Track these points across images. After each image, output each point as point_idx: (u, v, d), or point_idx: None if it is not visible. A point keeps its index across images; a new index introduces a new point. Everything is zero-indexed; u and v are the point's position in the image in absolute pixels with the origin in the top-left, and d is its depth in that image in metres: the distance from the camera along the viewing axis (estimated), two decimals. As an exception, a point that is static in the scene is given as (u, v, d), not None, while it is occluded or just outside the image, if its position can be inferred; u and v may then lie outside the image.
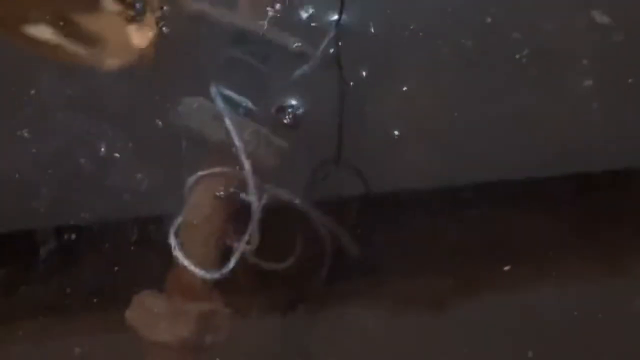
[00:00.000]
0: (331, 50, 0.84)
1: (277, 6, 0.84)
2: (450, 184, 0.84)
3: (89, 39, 0.93)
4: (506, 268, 0.81)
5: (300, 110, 0.83)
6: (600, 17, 0.89)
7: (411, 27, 0.86)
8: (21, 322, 0.78)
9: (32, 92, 0.84)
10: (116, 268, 0.77)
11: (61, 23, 0.96)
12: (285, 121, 0.82)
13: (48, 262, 0.77)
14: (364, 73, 0.84)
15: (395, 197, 0.85)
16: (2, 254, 0.79)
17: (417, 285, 0.81)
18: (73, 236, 0.78)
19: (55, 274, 0.79)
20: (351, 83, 0.85)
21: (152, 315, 0.74)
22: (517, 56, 0.87)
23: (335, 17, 0.84)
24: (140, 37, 0.92)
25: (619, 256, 0.83)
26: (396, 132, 0.84)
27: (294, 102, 0.82)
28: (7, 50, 0.87)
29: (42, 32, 0.93)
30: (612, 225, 0.84)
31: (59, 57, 0.92)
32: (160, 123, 0.81)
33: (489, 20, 0.87)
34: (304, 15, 0.85)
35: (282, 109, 0.82)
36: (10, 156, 0.82)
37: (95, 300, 0.77)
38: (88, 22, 0.93)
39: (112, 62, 0.94)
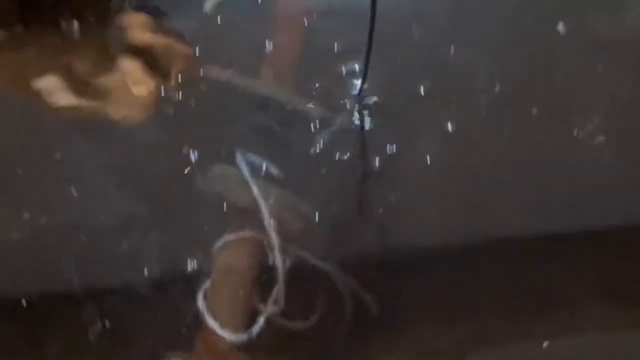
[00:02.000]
0: (353, 118, 0.89)
1: (298, 76, 0.90)
2: (466, 239, 0.86)
3: (97, 95, 0.97)
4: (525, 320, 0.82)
5: (323, 172, 0.87)
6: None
7: (423, 94, 0.91)
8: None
9: (57, 156, 0.88)
10: (146, 331, 0.79)
11: (72, 80, 0.98)
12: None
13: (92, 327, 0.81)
14: (382, 138, 0.88)
15: (414, 252, 0.87)
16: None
17: (438, 338, 0.83)
18: (104, 299, 0.81)
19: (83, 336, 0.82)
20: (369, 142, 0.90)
21: (180, 378, 0.78)
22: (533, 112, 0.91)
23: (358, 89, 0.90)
24: (146, 92, 0.97)
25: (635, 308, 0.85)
26: (413, 191, 0.87)
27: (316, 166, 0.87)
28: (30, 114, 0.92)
29: (50, 86, 0.97)
30: (630, 278, 0.85)
31: (70, 113, 0.96)
32: (188, 188, 0.84)
33: (497, 88, 0.91)
34: (326, 85, 0.90)
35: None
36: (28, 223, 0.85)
37: (125, 362, 0.81)
38: (99, 79, 0.98)
39: (119, 115, 0.96)
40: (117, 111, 0.97)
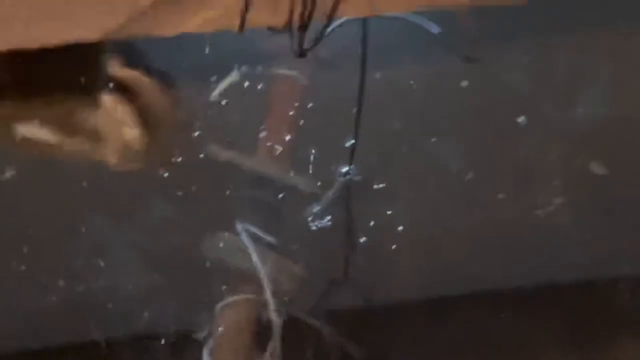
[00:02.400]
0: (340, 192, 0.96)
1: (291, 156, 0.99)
2: (441, 293, 0.93)
3: (86, 137, 1.01)
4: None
5: (313, 239, 0.95)
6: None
7: (403, 174, 0.99)
8: None
9: (83, 229, 0.95)
10: None
11: (61, 123, 1.00)
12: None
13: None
14: (366, 210, 0.97)
15: (391, 308, 0.93)
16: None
17: None
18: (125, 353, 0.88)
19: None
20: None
21: None
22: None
23: (345, 168, 0.97)
24: (132, 135, 1.01)
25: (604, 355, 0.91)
26: (393, 251, 0.94)
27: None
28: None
29: (44, 133, 1.00)
30: (586, 328, 0.92)
31: (57, 154, 1.00)
32: (193, 255, 0.91)
33: (470, 176, 1.00)
34: (317, 163, 0.97)
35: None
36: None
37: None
38: (87, 121, 1.01)
39: (107, 157, 1.00)
40: (108, 155, 1.01)
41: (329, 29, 0.54)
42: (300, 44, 0.52)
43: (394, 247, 0.95)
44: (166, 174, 0.98)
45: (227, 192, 0.97)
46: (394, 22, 0.62)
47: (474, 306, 0.92)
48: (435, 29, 0.61)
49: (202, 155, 0.98)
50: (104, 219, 0.93)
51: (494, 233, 0.96)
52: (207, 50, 1.03)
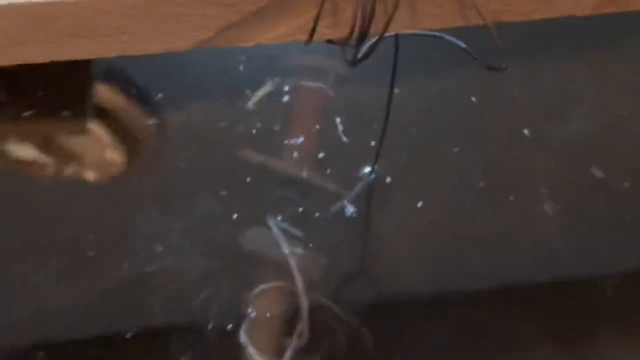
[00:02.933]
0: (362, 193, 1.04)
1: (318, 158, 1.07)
2: (445, 289, 1.00)
3: (70, 157, 1.04)
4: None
5: (337, 234, 1.03)
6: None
7: (420, 181, 1.07)
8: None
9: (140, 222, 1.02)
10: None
11: (45, 142, 1.03)
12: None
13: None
14: (384, 209, 1.05)
15: (403, 297, 1.00)
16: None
17: None
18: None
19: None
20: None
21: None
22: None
23: (367, 169, 1.05)
24: (116, 154, 1.05)
25: (586, 352, 0.96)
26: (404, 248, 1.02)
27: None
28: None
29: (27, 152, 1.04)
30: (574, 324, 0.98)
31: (39, 173, 1.03)
32: (232, 247, 0.99)
33: (478, 181, 1.08)
34: (341, 166, 1.06)
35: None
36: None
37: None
38: (70, 141, 1.05)
39: (90, 176, 1.04)
40: (89, 175, 1.04)
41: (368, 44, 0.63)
42: (355, 55, 0.62)
43: (405, 245, 1.03)
44: (205, 176, 1.06)
45: (260, 192, 1.04)
46: (418, 36, 0.70)
47: (472, 302, 0.98)
48: (459, 42, 0.69)
49: (236, 159, 1.06)
50: (156, 214, 1.02)
51: (495, 236, 1.03)
52: (241, 68, 1.13)
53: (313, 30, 0.58)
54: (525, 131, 1.12)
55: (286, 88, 1.12)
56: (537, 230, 1.03)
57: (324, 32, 0.61)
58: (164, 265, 0.98)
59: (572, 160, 1.10)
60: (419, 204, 1.05)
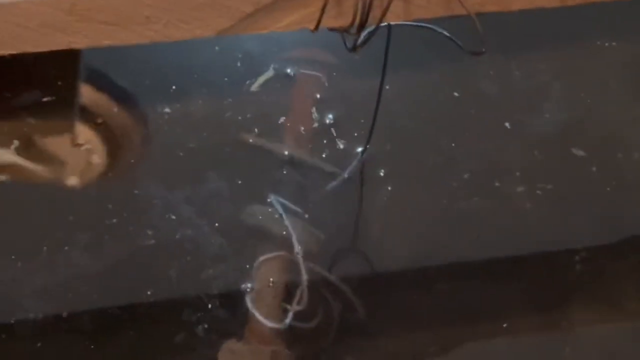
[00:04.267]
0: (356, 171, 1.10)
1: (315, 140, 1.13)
2: (428, 264, 1.05)
3: (50, 160, 1.04)
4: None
5: (333, 209, 1.08)
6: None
7: (412, 165, 1.13)
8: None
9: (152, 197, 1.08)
10: (206, 326, 0.98)
11: (28, 146, 1.02)
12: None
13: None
14: (378, 185, 1.10)
15: (391, 271, 1.05)
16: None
17: (401, 344, 0.99)
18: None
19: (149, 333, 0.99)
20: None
21: (237, 356, 0.95)
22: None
23: (360, 149, 1.11)
24: (97, 158, 1.05)
25: (558, 317, 1.01)
26: (393, 225, 1.08)
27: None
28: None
29: (6, 155, 1.02)
30: (546, 296, 1.03)
31: (20, 178, 1.03)
32: (237, 222, 1.05)
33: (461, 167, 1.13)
34: (336, 148, 1.12)
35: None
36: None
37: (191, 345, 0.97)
38: (52, 145, 1.04)
39: (70, 180, 1.04)
40: (71, 178, 1.04)
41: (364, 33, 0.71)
42: (355, 41, 0.70)
43: (395, 221, 1.09)
44: (209, 158, 1.11)
45: (261, 172, 1.10)
46: (403, 26, 0.76)
47: (456, 275, 1.04)
48: (443, 31, 0.75)
49: (239, 142, 1.12)
50: (163, 192, 1.07)
51: (477, 215, 1.09)
52: (238, 64, 1.20)
53: (319, 19, 0.66)
54: (507, 124, 1.18)
55: (284, 76, 1.19)
56: (517, 208, 1.10)
57: (329, 21, 0.70)
58: (175, 239, 1.04)
59: (549, 145, 1.17)
60: (408, 186, 1.11)
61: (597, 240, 1.07)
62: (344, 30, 0.69)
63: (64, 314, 0.98)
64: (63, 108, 1.05)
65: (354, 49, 0.70)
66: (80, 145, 1.03)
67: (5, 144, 1.01)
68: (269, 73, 1.18)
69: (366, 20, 0.67)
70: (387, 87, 1.08)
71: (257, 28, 0.68)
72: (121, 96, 1.13)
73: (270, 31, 0.68)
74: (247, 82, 1.19)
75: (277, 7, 0.68)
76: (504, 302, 1.02)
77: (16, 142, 1.01)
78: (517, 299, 1.02)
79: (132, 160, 1.09)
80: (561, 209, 1.10)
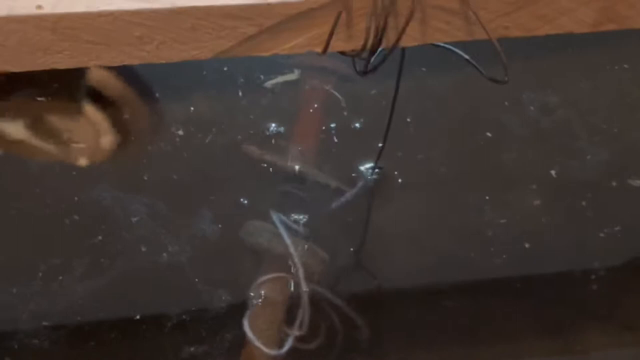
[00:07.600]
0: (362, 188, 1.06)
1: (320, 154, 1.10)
2: (432, 281, 1.03)
3: (59, 139, 1.04)
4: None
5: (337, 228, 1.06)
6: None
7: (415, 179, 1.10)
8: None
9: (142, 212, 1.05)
10: (199, 348, 0.96)
11: (37, 124, 1.03)
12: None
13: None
14: (385, 203, 1.08)
15: (397, 289, 1.03)
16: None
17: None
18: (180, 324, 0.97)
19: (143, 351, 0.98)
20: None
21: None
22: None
23: (367, 165, 1.08)
24: (107, 139, 1.05)
25: (571, 341, 0.99)
26: (401, 243, 1.05)
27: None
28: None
29: (16, 131, 1.03)
30: (567, 314, 1.01)
31: (30, 155, 1.03)
32: (235, 239, 1.02)
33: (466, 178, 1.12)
34: (344, 161, 1.09)
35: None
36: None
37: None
38: (63, 124, 1.05)
39: (80, 160, 1.04)
40: (79, 159, 1.04)
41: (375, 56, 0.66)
42: (366, 66, 0.64)
43: (401, 239, 1.06)
44: (213, 170, 1.08)
45: (263, 185, 1.07)
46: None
47: (464, 294, 1.02)
48: (463, 54, 0.71)
49: (241, 156, 1.08)
50: (159, 206, 1.04)
51: (488, 230, 1.06)
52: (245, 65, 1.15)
53: (327, 43, 0.60)
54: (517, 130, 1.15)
55: (295, 87, 1.15)
56: (529, 224, 1.07)
57: (338, 44, 0.64)
58: (170, 255, 1.01)
59: (568, 156, 1.13)
60: (416, 201, 1.09)
61: (614, 259, 1.05)
62: (354, 55, 0.63)
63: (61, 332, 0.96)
64: (71, 88, 1.06)
65: (364, 73, 0.64)
66: (91, 125, 1.04)
67: (16, 120, 1.02)
68: (293, 75, 1.13)
69: (379, 45, 0.61)
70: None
71: (259, 50, 0.63)
72: (132, 79, 1.11)
73: (273, 54, 0.62)
74: (250, 87, 1.14)
75: (283, 29, 0.62)
76: (514, 323, 0.99)
77: (26, 119, 1.02)
78: (529, 320, 1.00)
79: (144, 144, 1.08)
80: (577, 225, 1.07)
